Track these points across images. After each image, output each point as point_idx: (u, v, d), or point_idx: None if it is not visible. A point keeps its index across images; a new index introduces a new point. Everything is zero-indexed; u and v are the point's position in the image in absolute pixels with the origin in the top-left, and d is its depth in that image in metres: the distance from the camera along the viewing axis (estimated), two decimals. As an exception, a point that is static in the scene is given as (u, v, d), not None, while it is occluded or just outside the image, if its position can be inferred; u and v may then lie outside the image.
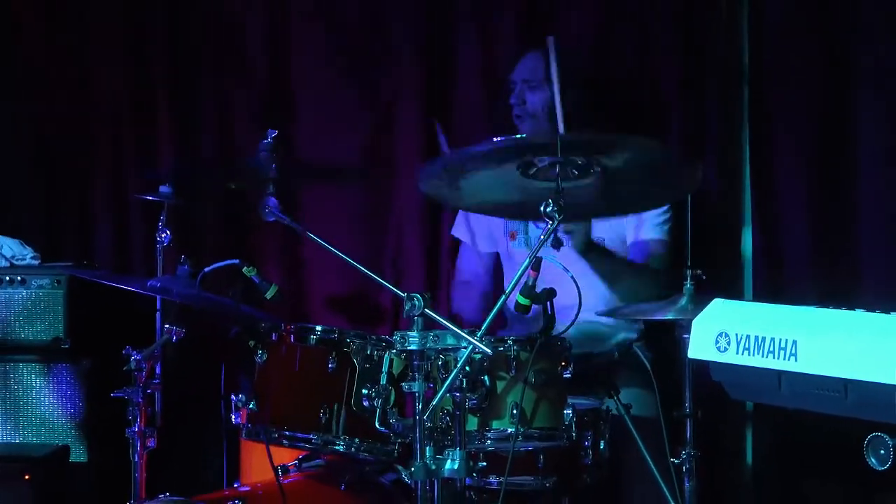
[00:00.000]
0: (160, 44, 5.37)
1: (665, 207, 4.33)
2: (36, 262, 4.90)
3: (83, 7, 5.43)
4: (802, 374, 2.70)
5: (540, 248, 3.36)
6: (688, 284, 3.62)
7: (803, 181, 4.55)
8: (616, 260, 4.39)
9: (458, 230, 4.88)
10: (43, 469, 4.57)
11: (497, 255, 4.82)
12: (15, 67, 5.45)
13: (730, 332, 2.83)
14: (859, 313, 2.70)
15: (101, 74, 5.44)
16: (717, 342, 2.84)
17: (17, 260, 4.87)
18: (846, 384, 2.64)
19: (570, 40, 4.83)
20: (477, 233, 4.80)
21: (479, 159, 3.66)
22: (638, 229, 4.41)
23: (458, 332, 3.39)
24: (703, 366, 2.90)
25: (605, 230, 4.40)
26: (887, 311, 2.66)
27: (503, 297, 3.49)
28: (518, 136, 3.49)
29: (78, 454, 4.70)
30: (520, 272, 3.45)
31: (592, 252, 4.23)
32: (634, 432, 3.65)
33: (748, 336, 2.79)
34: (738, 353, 2.80)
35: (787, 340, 2.72)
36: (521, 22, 5.01)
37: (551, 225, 3.36)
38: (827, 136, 4.53)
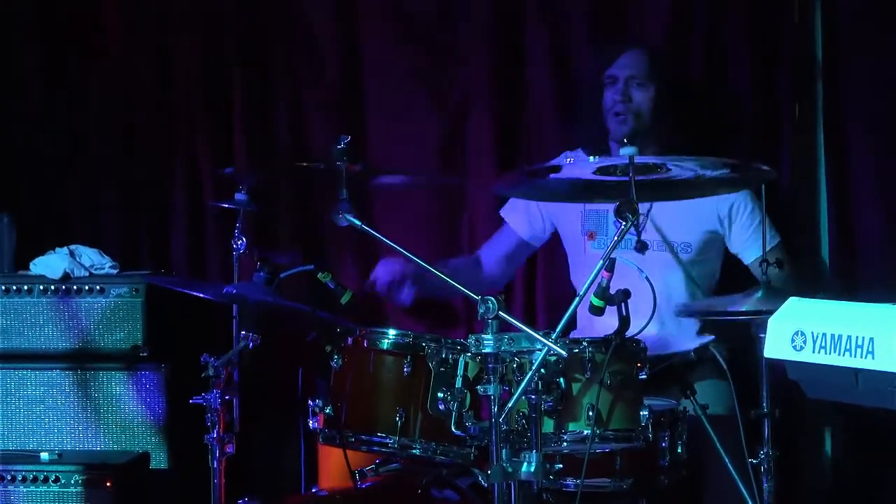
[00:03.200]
0: (233, 47, 5.39)
1: (750, 211, 4.32)
2: (114, 272, 4.93)
3: (164, 13, 5.47)
4: (880, 371, 2.68)
5: (614, 248, 3.34)
6: (763, 279, 3.60)
7: (879, 177, 4.52)
8: None
9: (508, 212, 4.85)
10: (124, 476, 4.59)
11: (526, 246, 4.82)
12: (94, 78, 5.49)
13: (805, 330, 2.81)
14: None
15: (177, 82, 5.47)
16: (792, 341, 2.82)
17: (95, 269, 4.91)
18: (927, 383, 2.62)
19: (645, 40, 4.82)
20: (528, 221, 4.79)
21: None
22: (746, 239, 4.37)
23: (533, 334, 3.39)
24: (779, 365, 2.89)
25: (696, 232, 4.40)
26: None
27: (578, 298, 3.48)
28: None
29: (158, 461, 4.73)
30: (594, 273, 3.45)
31: None
32: (711, 432, 3.63)
33: (824, 334, 2.77)
34: (814, 351, 2.78)
35: (863, 338, 2.70)
36: (589, 22, 4.98)
37: (625, 225, 3.35)
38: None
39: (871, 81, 4.54)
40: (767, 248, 4.17)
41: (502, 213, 4.86)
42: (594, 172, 3.57)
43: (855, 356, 2.73)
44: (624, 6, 5.00)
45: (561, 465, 3.45)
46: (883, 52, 4.50)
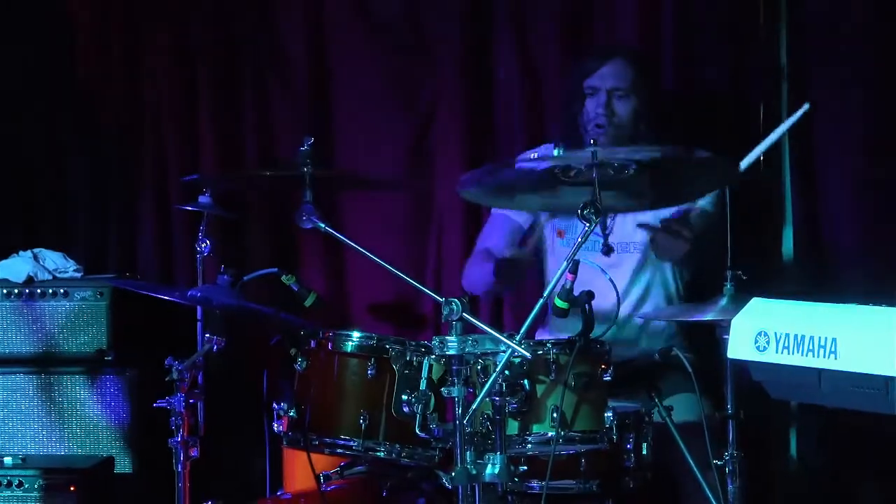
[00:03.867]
0: (203, 48, 5.41)
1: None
2: (78, 275, 4.95)
3: (132, 14, 5.47)
4: (843, 371, 2.68)
5: (577, 250, 3.34)
6: (728, 285, 3.60)
7: (844, 177, 4.55)
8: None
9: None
10: (88, 480, 4.60)
11: (528, 232, 4.71)
12: (67, 76, 5.49)
13: (769, 331, 2.81)
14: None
15: (144, 86, 5.48)
16: (756, 342, 2.82)
17: (59, 273, 4.92)
18: (888, 381, 2.61)
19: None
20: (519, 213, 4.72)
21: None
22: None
23: (498, 335, 3.39)
24: (743, 366, 2.89)
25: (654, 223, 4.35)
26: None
27: (541, 300, 3.48)
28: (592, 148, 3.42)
29: (123, 465, 4.75)
30: (557, 275, 3.44)
31: None
32: (676, 434, 3.62)
33: (787, 335, 2.77)
34: (777, 352, 2.78)
35: (826, 338, 2.70)
36: (561, 29, 4.99)
37: (589, 227, 3.35)
38: (870, 132, 4.52)
39: (833, 84, 4.54)
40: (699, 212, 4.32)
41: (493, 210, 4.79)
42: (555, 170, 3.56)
43: (818, 356, 2.73)
44: (591, 12, 5.01)
45: (525, 467, 3.44)
46: (846, 56, 4.50)
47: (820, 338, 2.72)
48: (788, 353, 2.77)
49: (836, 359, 2.68)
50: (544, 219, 4.62)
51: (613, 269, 4.00)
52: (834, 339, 2.68)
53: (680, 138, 4.30)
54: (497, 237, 4.70)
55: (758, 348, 2.82)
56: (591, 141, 3.58)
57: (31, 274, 4.84)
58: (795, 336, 2.76)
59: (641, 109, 4.42)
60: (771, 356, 2.78)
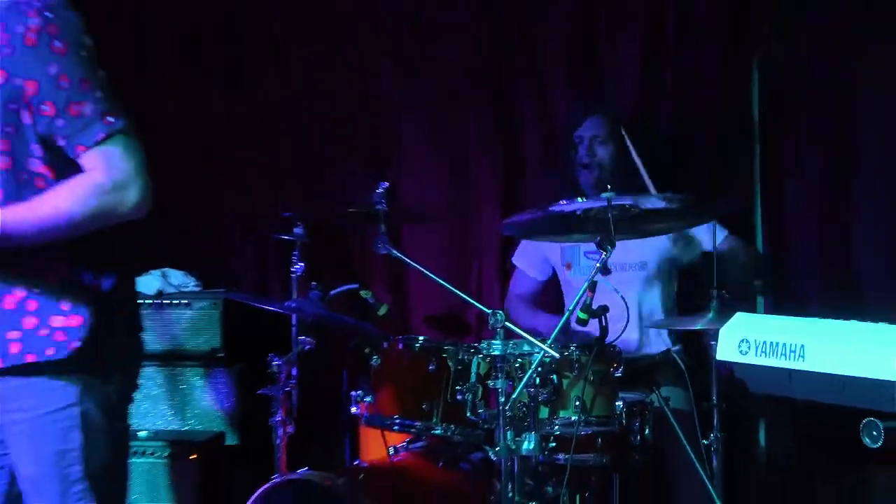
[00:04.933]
0: (291, 122, 5.37)
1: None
2: (197, 289, 4.96)
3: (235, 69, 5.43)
4: (809, 371, 2.71)
5: (595, 275, 3.40)
6: (713, 303, 3.62)
7: (808, 211, 4.52)
8: None
9: (518, 259, 4.81)
10: (205, 450, 4.62)
11: (544, 283, 4.76)
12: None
13: (750, 338, 2.83)
14: (854, 322, 2.70)
15: (245, 148, 5.44)
16: (740, 347, 2.84)
17: (182, 287, 4.93)
18: (844, 380, 2.64)
19: (615, 106, 4.79)
20: (534, 263, 4.75)
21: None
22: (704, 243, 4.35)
23: (533, 340, 3.43)
24: (727, 366, 2.91)
25: (650, 254, 4.39)
26: (877, 322, 2.67)
27: (567, 313, 3.52)
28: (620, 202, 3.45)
29: (231, 439, 4.75)
30: (579, 294, 3.48)
31: None
32: (672, 420, 3.64)
33: (765, 342, 2.79)
34: (756, 355, 2.79)
35: (796, 345, 2.72)
36: (573, 91, 4.97)
37: (605, 255, 3.40)
38: (830, 169, 4.50)
39: (801, 133, 4.55)
40: (720, 241, 4.21)
41: (514, 260, 4.82)
42: (580, 213, 3.60)
43: (789, 359, 2.75)
44: (601, 77, 4.98)
45: (554, 444, 3.49)
46: (813, 106, 4.51)
47: (791, 344, 2.74)
48: (765, 356, 2.78)
49: (803, 361, 2.71)
50: (553, 260, 4.66)
51: (622, 287, 4.03)
52: (802, 346, 2.71)
53: (671, 179, 4.31)
54: (524, 288, 4.80)
55: (741, 352, 2.84)
56: (608, 187, 3.60)
57: (161, 288, 4.86)
58: (771, 343, 2.78)
59: (618, 153, 4.43)
60: (751, 358, 2.80)
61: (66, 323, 2.55)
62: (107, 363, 2.63)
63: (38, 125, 2.53)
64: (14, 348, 2.54)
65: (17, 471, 2.63)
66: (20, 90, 2.50)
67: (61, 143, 2.53)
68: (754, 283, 3.71)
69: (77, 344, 2.55)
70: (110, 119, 2.52)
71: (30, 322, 2.55)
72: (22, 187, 2.55)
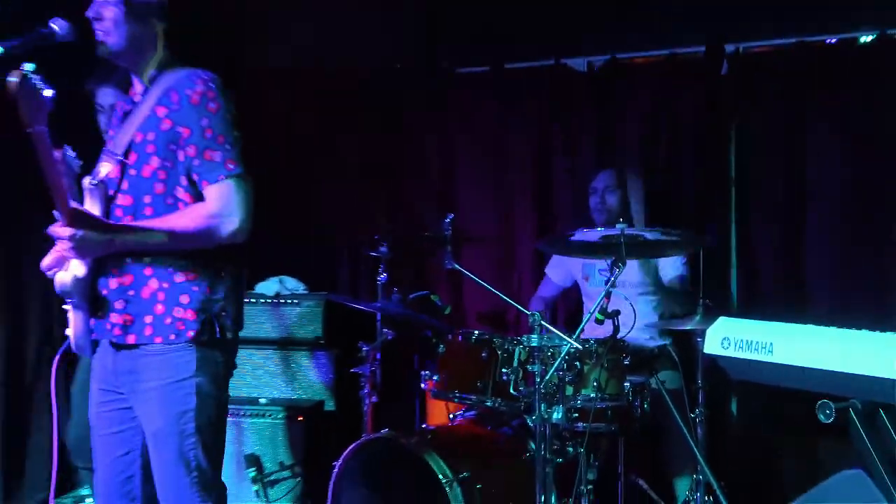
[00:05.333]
0: (384, 179, 5.39)
1: (685, 258, 4.30)
2: (306, 292, 4.98)
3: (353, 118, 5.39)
4: (776, 363, 2.70)
5: (611, 285, 3.42)
6: (701, 309, 3.63)
7: (772, 243, 4.50)
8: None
9: (549, 270, 4.78)
10: (309, 413, 4.63)
11: (564, 290, 4.74)
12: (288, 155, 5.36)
13: (730, 337, 2.82)
14: (811, 326, 2.70)
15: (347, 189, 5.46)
16: (722, 343, 2.84)
17: (295, 290, 4.96)
18: (804, 370, 2.64)
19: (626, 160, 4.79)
20: (560, 274, 4.72)
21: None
22: (673, 268, 4.32)
23: (561, 335, 3.46)
24: (712, 358, 2.91)
25: (649, 273, 4.36)
26: (827, 325, 2.66)
27: (588, 315, 3.54)
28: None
29: (329, 406, 4.75)
30: (598, 301, 3.50)
31: None
32: (667, 398, 3.63)
33: (742, 339, 2.79)
34: (735, 350, 2.79)
35: (766, 342, 2.72)
36: (596, 153, 4.92)
37: (619, 271, 3.41)
38: (786, 215, 4.48)
39: (762, 184, 4.53)
40: (677, 274, 4.27)
41: (546, 270, 4.80)
42: (599, 239, 3.62)
43: (760, 353, 2.75)
44: (613, 136, 4.93)
45: (577, 415, 3.51)
46: (771, 166, 4.50)
47: (762, 341, 2.74)
48: (742, 351, 2.78)
49: (771, 355, 2.71)
50: (574, 272, 4.63)
51: (632, 295, 4.05)
52: (771, 343, 2.71)
53: (665, 219, 4.31)
54: (548, 292, 4.76)
55: (723, 347, 2.84)
56: (612, 221, 3.62)
57: (278, 291, 4.88)
58: (747, 340, 2.78)
59: (624, 197, 4.42)
60: (731, 352, 2.80)
61: (183, 315, 2.60)
62: (215, 346, 2.66)
63: (185, 162, 2.62)
64: (147, 331, 2.60)
65: (145, 427, 2.65)
66: (178, 135, 2.61)
67: (194, 177, 2.62)
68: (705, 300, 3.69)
69: (192, 333, 2.60)
70: (231, 166, 2.61)
71: (159, 309, 2.60)
72: (168, 209, 2.63)
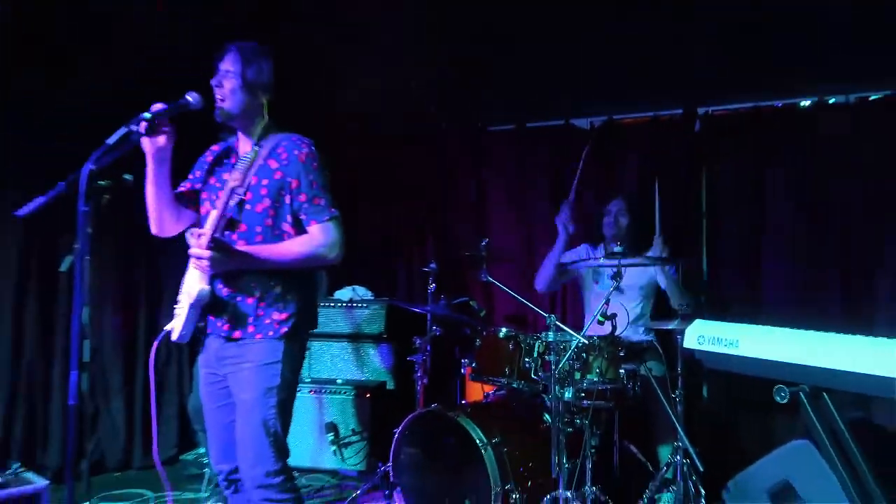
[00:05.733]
0: (432, 210, 5.38)
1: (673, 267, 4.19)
2: (372, 297, 5.01)
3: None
4: (740, 356, 2.67)
5: (610, 294, 3.39)
6: (679, 314, 3.58)
7: (735, 263, 4.42)
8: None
9: (567, 254, 4.46)
10: (374, 392, 4.64)
11: (565, 267, 4.35)
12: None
13: (705, 335, 2.80)
14: (767, 327, 2.66)
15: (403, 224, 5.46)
16: (698, 340, 2.81)
17: (364, 296, 5.00)
18: (763, 361, 2.60)
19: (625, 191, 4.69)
20: (572, 257, 4.42)
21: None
22: (667, 275, 4.14)
23: (572, 332, 3.44)
24: (689, 352, 2.88)
25: (644, 281, 4.22)
26: (780, 326, 2.63)
27: (592, 317, 3.50)
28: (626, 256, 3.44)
29: (390, 385, 4.78)
30: (600, 305, 3.48)
31: None
32: (653, 382, 3.60)
33: (714, 336, 2.76)
34: (709, 344, 2.77)
35: (733, 339, 2.69)
36: (596, 191, 4.80)
37: (617, 282, 3.39)
38: (746, 242, 4.40)
39: (729, 216, 4.47)
40: (673, 279, 4.12)
41: (562, 259, 4.47)
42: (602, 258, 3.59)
43: (727, 348, 2.72)
44: (614, 175, 4.85)
45: (583, 394, 3.47)
46: (735, 207, 4.45)
47: (730, 338, 2.71)
48: (714, 345, 2.76)
49: (737, 348, 2.67)
50: (584, 272, 4.43)
51: (626, 301, 4.01)
52: (737, 339, 2.68)
53: (650, 242, 4.26)
54: (551, 264, 4.44)
55: (699, 343, 2.81)
56: (618, 242, 3.58)
57: (351, 297, 4.93)
58: (718, 337, 2.75)
59: (632, 222, 4.32)
60: (706, 347, 2.78)
61: (279, 317, 2.66)
62: (297, 340, 2.71)
63: (293, 204, 2.68)
64: (250, 329, 2.66)
65: (237, 397, 2.68)
66: (288, 184, 2.67)
67: (302, 217, 2.69)
68: (683, 304, 3.62)
69: (283, 331, 2.66)
70: (333, 210, 2.70)
71: (259, 313, 2.66)
72: (276, 238, 2.69)
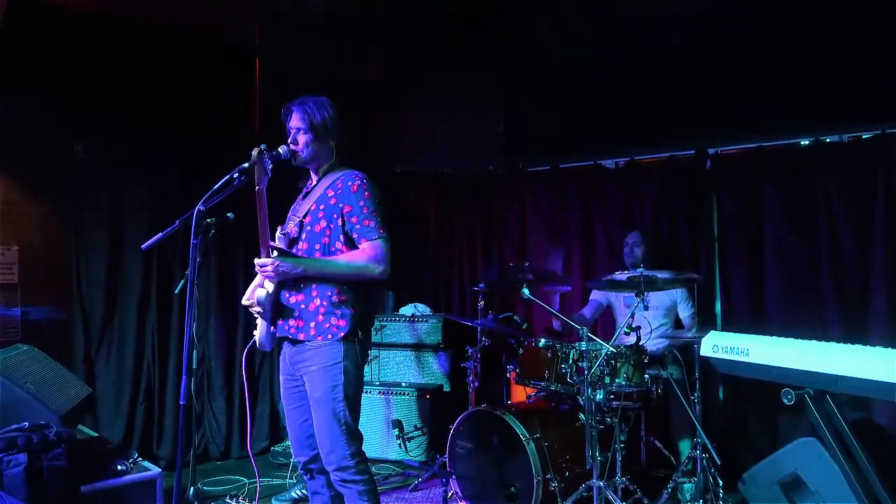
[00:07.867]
0: (482, 240, 5.32)
1: (689, 296, 4.14)
2: (431, 313, 4.99)
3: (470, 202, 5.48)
4: (750, 362, 2.61)
5: (633, 310, 3.34)
6: (696, 326, 3.52)
7: (743, 280, 4.31)
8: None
9: (594, 294, 4.52)
10: (433, 392, 4.62)
11: (601, 307, 4.44)
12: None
13: (719, 344, 2.75)
14: (774, 337, 2.60)
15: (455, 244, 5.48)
16: (713, 348, 2.76)
17: (424, 311, 4.98)
18: (771, 367, 2.54)
19: (642, 224, 4.64)
20: (600, 297, 4.46)
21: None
22: (686, 309, 4.13)
23: (601, 342, 3.39)
24: (706, 359, 2.83)
25: (666, 300, 4.17)
26: (784, 336, 2.56)
27: (619, 329, 3.46)
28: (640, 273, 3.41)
29: (447, 388, 4.75)
30: (625, 320, 3.43)
31: None
32: (674, 385, 3.54)
33: (727, 345, 2.71)
34: (723, 352, 2.72)
35: (744, 347, 2.64)
36: (620, 221, 4.76)
37: (640, 301, 3.34)
38: (752, 262, 4.30)
39: (737, 239, 4.35)
40: (689, 314, 4.10)
41: (592, 295, 4.54)
42: (626, 279, 3.54)
43: (739, 356, 2.67)
44: (630, 210, 4.77)
45: (612, 396, 3.43)
46: (744, 226, 4.32)
47: (741, 347, 2.66)
48: (727, 354, 2.71)
49: (748, 357, 2.62)
50: (610, 299, 4.42)
51: (650, 317, 3.94)
52: (748, 348, 2.62)
53: (669, 265, 4.20)
54: (588, 310, 4.52)
55: (713, 351, 2.77)
56: (637, 265, 3.53)
57: (413, 312, 4.93)
58: (730, 346, 2.70)
59: (647, 250, 4.25)
60: (720, 355, 2.73)
61: (338, 322, 2.63)
62: (355, 342, 2.66)
63: (346, 225, 2.68)
64: (312, 331, 2.63)
65: (311, 396, 2.66)
66: (341, 209, 2.68)
67: (354, 236, 2.68)
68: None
69: (343, 334, 2.62)
70: (382, 231, 2.67)
71: (320, 318, 2.63)
72: (331, 253, 2.68)
